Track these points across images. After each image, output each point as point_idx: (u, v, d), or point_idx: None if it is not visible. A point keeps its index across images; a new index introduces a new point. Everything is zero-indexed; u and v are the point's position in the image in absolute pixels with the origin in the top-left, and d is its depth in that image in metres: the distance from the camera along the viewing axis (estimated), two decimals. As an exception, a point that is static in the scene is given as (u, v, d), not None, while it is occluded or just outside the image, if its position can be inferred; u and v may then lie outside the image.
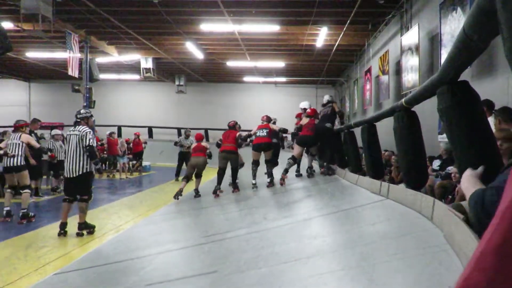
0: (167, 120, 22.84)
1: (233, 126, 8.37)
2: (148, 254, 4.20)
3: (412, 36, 9.28)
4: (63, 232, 5.97)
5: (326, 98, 8.41)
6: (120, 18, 12.25)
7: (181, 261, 3.56)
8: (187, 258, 3.59)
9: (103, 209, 8.25)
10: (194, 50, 15.36)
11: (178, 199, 7.54)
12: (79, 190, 6.13)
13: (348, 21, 11.71)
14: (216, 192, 7.59)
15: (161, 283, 2.82)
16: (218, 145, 8.06)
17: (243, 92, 24.55)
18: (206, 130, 21.77)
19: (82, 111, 6.53)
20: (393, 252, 2.57)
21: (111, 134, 15.04)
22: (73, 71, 13.05)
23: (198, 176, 8.05)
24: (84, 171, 6.09)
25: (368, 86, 14.36)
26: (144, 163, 16.18)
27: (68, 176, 6.11)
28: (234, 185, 7.92)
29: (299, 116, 9.19)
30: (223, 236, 4.05)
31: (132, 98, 24.46)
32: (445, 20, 7.16)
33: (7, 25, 11.37)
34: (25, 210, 7.00)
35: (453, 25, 6.84)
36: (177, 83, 22.14)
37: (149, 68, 17.26)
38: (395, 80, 11.32)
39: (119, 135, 19.89)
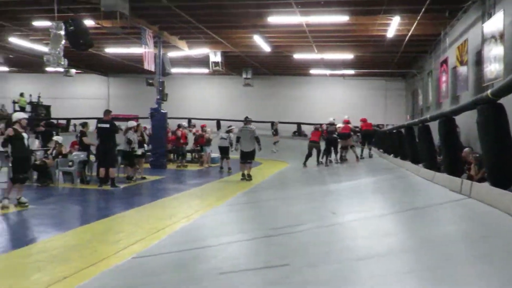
0: (234, 113, 23.17)
1: (317, 129, 13.52)
2: (218, 243, 4.30)
3: (495, 23, 8.58)
4: (243, 178, 11.12)
5: (330, 120, 13.62)
6: (191, 13, 12.59)
7: (251, 252, 3.60)
8: (257, 249, 3.62)
9: (174, 198, 8.59)
10: (261, 43, 15.43)
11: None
12: (250, 158, 11.28)
13: (423, 9, 11.09)
14: (304, 165, 13.00)
15: (233, 272, 2.87)
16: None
17: (310, 85, 24.29)
18: (272, 123, 21.89)
19: (248, 117, 11.84)
20: (476, 254, 2.40)
21: (180, 126, 15.64)
22: (149, 65, 13.69)
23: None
24: (253, 148, 11.19)
25: (444, 78, 13.55)
26: (213, 155, 16.55)
27: (245, 151, 11.16)
28: (318, 162, 13.07)
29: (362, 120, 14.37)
30: (292, 229, 4.04)
31: (201, 91, 25.14)
32: (536, 4, 6.53)
33: (89, 22, 12.15)
34: None
35: (546, 10, 6.22)
36: (244, 76, 22.36)
37: (218, 62, 17.59)
38: (475, 71, 10.56)
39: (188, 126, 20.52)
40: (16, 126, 7.32)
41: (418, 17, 11.88)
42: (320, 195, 7.03)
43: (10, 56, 19.55)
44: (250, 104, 23.86)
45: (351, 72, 22.00)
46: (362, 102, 22.39)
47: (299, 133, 22.66)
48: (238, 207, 7.26)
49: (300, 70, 22.66)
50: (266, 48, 16.08)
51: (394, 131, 10.22)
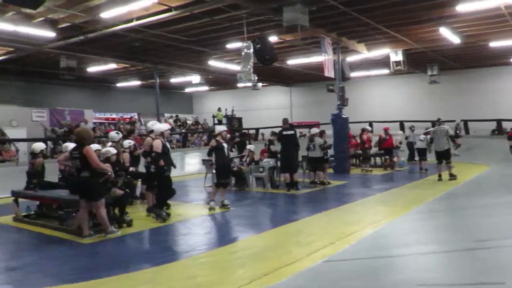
0: (419, 113, 21.69)
1: None
2: (411, 253, 4.09)
3: None
4: (440, 179, 11.15)
5: None
6: (368, 14, 12.33)
7: (451, 265, 3.30)
8: (458, 263, 3.31)
9: (360, 203, 8.52)
10: (448, 35, 14.06)
11: None
12: (446, 157, 11.19)
13: None
14: None
15: (435, 286, 2.68)
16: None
17: (510, 75, 21.03)
18: (465, 122, 19.76)
19: (441, 118, 12.05)
20: None
21: (364, 130, 15.47)
22: (329, 72, 13.97)
23: None
24: (448, 147, 11.22)
25: None
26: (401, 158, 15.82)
27: (440, 151, 11.16)
28: None
29: None
30: (500, 243, 3.55)
31: (382, 93, 24.35)
32: None
33: (273, 38, 13.13)
34: None
35: None
36: (429, 73, 20.71)
37: (399, 61, 16.74)
38: None
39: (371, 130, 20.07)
40: (218, 138, 8.40)
41: None
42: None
43: (210, 76, 22.56)
44: (437, 103, 22.03)
45: None
46: None
47: (499, 131, 19.76)
48: (430, 215, 6.77)
49: (498, 59, 19.77)
50: (454, 40, 14.56)
51: None
